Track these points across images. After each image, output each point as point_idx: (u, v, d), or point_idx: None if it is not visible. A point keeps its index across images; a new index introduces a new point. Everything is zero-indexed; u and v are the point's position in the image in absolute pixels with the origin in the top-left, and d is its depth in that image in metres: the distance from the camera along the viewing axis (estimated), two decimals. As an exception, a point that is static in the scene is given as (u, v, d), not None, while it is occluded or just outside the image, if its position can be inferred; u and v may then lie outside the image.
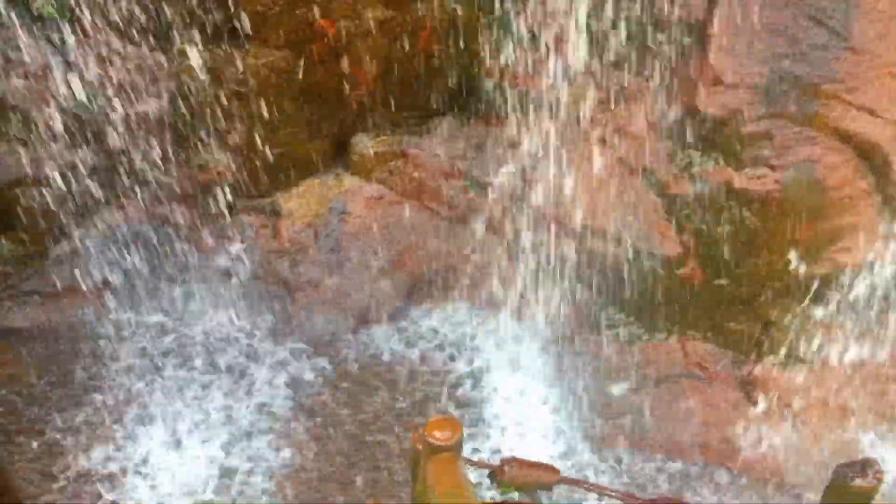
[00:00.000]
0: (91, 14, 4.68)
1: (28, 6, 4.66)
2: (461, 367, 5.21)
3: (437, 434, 2.95)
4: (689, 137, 4.72)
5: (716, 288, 4.88)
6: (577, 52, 4.68)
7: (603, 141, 4.94)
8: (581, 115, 4.90)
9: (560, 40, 4.75)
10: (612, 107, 4.92)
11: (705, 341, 5.06)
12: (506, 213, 5.26)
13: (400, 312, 5.44)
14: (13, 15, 4.63)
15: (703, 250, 4.83)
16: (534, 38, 4.93)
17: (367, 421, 4.96)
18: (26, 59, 4.70)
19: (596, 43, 4.72)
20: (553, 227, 5.08)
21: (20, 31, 4.67)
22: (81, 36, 4.71)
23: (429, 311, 5.48)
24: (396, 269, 5.47)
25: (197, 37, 4.83)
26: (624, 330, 5.13)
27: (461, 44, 5.11)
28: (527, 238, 5.16)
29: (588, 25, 4.65)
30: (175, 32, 4.81)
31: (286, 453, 4.81)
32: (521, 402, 5.08)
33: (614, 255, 4.98)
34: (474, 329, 5.36)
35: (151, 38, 4.84)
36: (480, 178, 5.31)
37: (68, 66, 4.77)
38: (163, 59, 4.90)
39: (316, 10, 4.88)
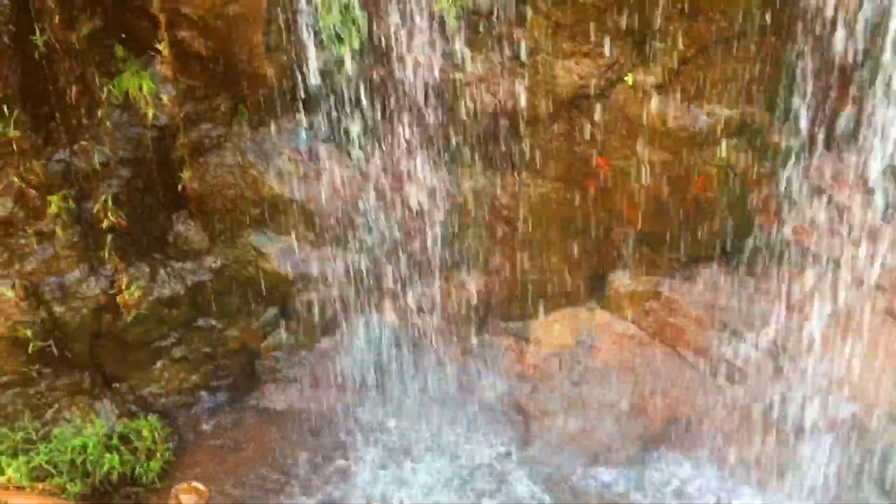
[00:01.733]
0: (389, 137, 4.80)
1: (339, 123, 4.87)
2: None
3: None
4: None
5: None
6: (870, 208, 4.11)
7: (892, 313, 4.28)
8: (867, 279, 4.27)
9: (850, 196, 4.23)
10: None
11: None
12: (764, 373, 4.65)
13: (637, 459, 4.91)
14: (325, 128, 4.86)
15: None
16: (818, 193, 4.44)
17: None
18: (334, 172, 4.88)
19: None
20: (819, 396, 4.40)
21: (330, 145, 4.88)
22: (382, 156, 4.83)
23: (670, 463, 4.90)
24: (640, 412, 4.99)
25: (479, 162, 4.81)
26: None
27: (735, 191, 4.71)
28: (789, 402, 4.51)
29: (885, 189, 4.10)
30: (460, 155, 4.82)
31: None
32: None
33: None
34: (719, 495, 4.68)
35: (437, 160, 4.87)
36: (742, 332, 4.76)
37: (365, 179, 4.90)
38: (445, 179, 4.91)
39: (594, 148, 4.71)
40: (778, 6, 4.22)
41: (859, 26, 3.99)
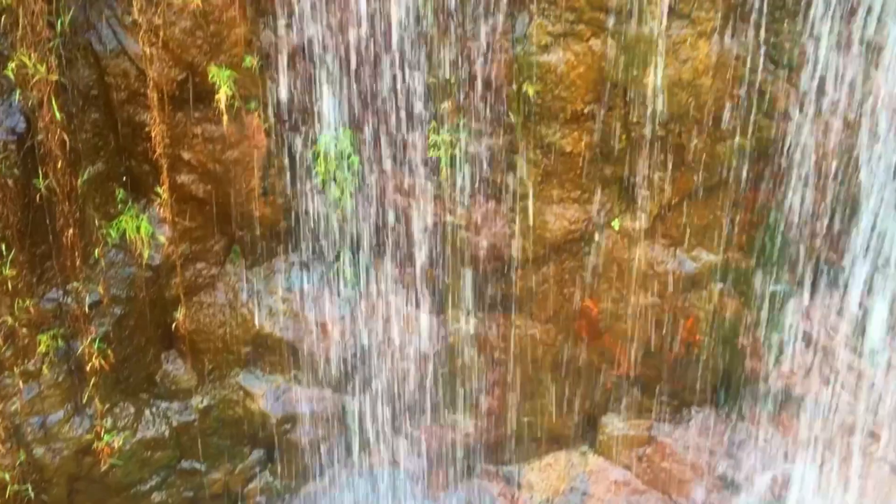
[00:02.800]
0: (381, 278, 4.86)
1: (332, 264, 4.94)
2: None
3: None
4: None
5: None
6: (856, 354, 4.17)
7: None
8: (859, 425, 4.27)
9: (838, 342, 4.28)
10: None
11: None
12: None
13: None
14: (319, 269, 4.92)
15: None
16: (806, 338, 4.50)
17: None
18: (326, 312, 4.92)
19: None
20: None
21: (322, 285, 4.93)
22: (374, 296, 4.89)
23: None
24: (636, 563, 4.84)
25: (470, 304, 4.86)
26: None
27: (724, 335, 4.76)
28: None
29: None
30: (451, 296, 4.87)
31: None
32: None
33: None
34: None
35: (429, 301, 4.92)
36: (736, 480, 4.70)
37: (353, 318, 4.92)
38: (436, 321, 4.94)
39: (583, 291, 4.79)
40: (758, 160, 4.41)
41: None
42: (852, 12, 3.88)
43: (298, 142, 4.63)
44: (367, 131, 4.56)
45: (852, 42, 3.94)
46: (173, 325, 4.92)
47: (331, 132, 4.54)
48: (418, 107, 4.48)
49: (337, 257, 4.90)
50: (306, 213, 4.75)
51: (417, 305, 4.93)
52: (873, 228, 4.12)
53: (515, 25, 4.29)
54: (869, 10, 3.83)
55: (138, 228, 4.60)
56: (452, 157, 4.58)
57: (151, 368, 5.03)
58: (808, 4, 3.95)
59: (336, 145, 4.57)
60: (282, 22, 4.30)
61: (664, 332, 4.85)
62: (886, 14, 3.77)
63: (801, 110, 4.14)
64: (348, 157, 4.60)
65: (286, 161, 4.69)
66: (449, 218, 4.74)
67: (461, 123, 4.50)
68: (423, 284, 4.88)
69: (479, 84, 4.40)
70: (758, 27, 4.09)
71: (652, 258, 4.70)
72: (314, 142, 4.60)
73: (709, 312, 4.79)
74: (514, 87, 4.39)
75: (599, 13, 4.18)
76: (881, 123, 3.92)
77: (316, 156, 4.62)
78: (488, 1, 4.23)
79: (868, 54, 3.91)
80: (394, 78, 4.43)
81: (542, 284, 4.87)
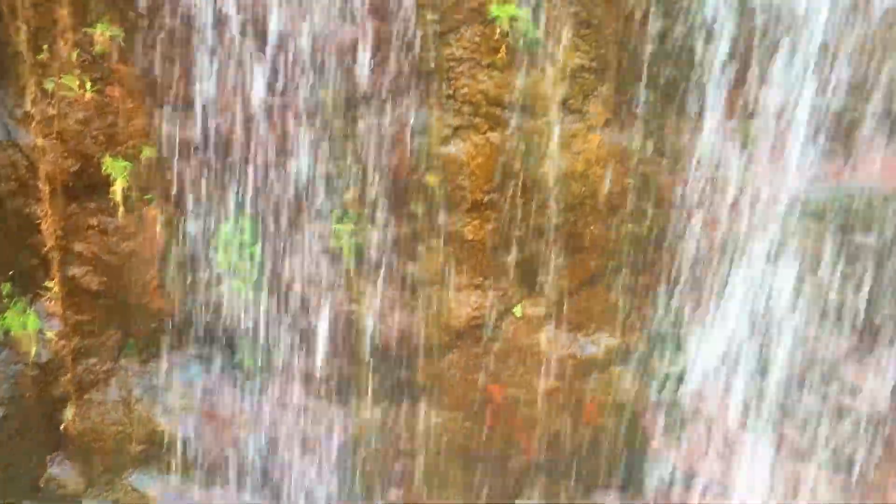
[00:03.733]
0: (283, 370, 4.79)
1: (233, 356, 4.84)
2: None
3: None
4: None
5: None
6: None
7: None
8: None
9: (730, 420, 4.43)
10: None
11: None
12: None
13: None
14: (218, 362, 4.82)
15: None
16: (699, 418, 4.64)
17: None
18: (225, 408, 4.79)
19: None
20: None
21: (221, 379, 4.81)
22: (275, 390, 4.80)
23: None
24: None
25: (375, 392, 4.82)
26: None
27: (626, 418, 4.86)
28: None
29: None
30: (355, 386, 4.83)
31: None
32: None
33: None
34: None
35: (333, 392, 4.86)
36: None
37: (253, 412, 4.81)
38: (340, 412, 4.88)
39: (488, 377, 4.83)
40: (650, 246, 4.62)
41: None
42: (733, 108, 4.17)
43: (197, 232, 4.58)
44: (269, 221, 4.55)
45: (733, 135, 4.22)
46: (62, 426, 4.69)
47: (231, 222, 4.51)
48: (321, 197, 4.51)
49: (237, 350, 4.81)
50: (205, 305, 4.67)
51: (320, 397, 4.86)
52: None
53: (417, 118, 4.42)
54: (747, 105, 4.13)
55: (25, 324, 4.42)
56: (355, 247, 4.61)
57: (36, 473, 4.76)
58: (692, 100, 4.22)
59: (236, 236, 4.54)
60: (181, 113, 4.30)
61: (568, 416, 4.92)
62: (766, 111, 4.08)
63: (686, 199, 4.38)
64: (249, 247, 4.57)
65: (185, 252, 4.62)
66: (352, 307, 4.73)
67: (364, 213, 4.55)
68: (326, 375, 4.83)
69: (381, 174, 4.48)
70: (645, 121, 4.34)
71: (554, 343, 4.80)
72: (214, 232, 4.56)
73: (611, 395, 4.89)
74: (416, 177, 4.49)
75: (496, 108, 4.36)
76: (756, 215, 4.20)
77: (216, 247, 4.57)
78: (390, 94, 4.34)
79: (748, 147, 4.19)
80: (296, 168, 4.46)
81: (448, 372, 4.89)
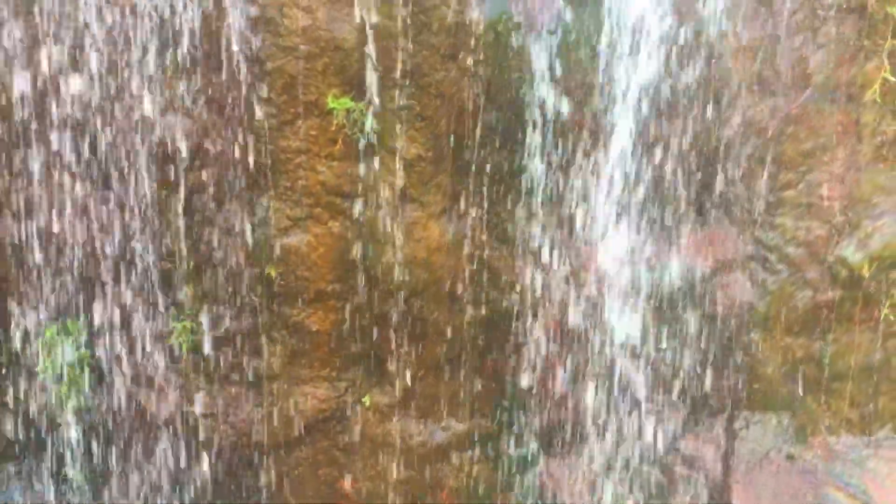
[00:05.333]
0: (113, 484, 4.56)
1: (60, 470, 4.56)
2: None
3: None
4: None
5: None
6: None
7: None
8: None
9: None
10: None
11: None
12: None
13: None
14: (45, 478, 4.53)
15: None
16: (553, 498, 4.74)
17: None
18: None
19: None
20: None
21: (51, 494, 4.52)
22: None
23: None
24: None
25: (217, 499, 4.64)
26: None
27: (480, 502, 4.90)
28: None
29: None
30: (196, 495, 4.64)
31: None
32: None
33: None
34: None
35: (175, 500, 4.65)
36: None
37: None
38: (181, 520, 4.66)
39: (340, 471, 4.76)
40: (492, 330, 4.76)
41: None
42: (561, 196, 4.43)
43: (17, 336, 4.35)
44: (100, 322, 4.38)
45: (564, 220, 4.47)
46: None
47: (56, 325, 4.31)
48: (156, 293, 4.39)
49: (65, 464, 4.53)
50: (29, 415, 4.39)
51: (162, 509, 4.63)
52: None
53: (255, 209, 4.41)
54: (574, 191, 4.40)
55: None
56: (194, 344, 4.49)
57: None
58: (524, 188, 4.45)
59: (62, 339, 4.33)
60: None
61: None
62: (596, 205, 4.35)
63: (523, 284, 4.57)
64: (77, 349, 4.36)
65: (3, 359, 4.35)
66: (192, 408, 4.58)
67: (202, 308, 4.45)
68: (165, 481, 4.61)
69: (220, 268, 4.41)
70: (481, 208, 4.52)
71: (404, 431, 4.80)
72: (37, 336, 4.33)
73: (462, 480, 4.92)
74: (257, 269, 4.45)
75: (336, 198, 4.42)
76: (578, 298, 4.44)
77: (38, 352, 4.33)
78: (229, 186, 4.33)
79: (583, 234, 4.44)
80: (129, 263, 4.34)
81: (297, 469, 4.78)
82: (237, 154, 4.31)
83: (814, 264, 4.37)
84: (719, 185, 4.35)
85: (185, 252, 4.32)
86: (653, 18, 4.14)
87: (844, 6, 4.12)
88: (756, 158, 4.32)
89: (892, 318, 4.34)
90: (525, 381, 4.70)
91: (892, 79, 4.09)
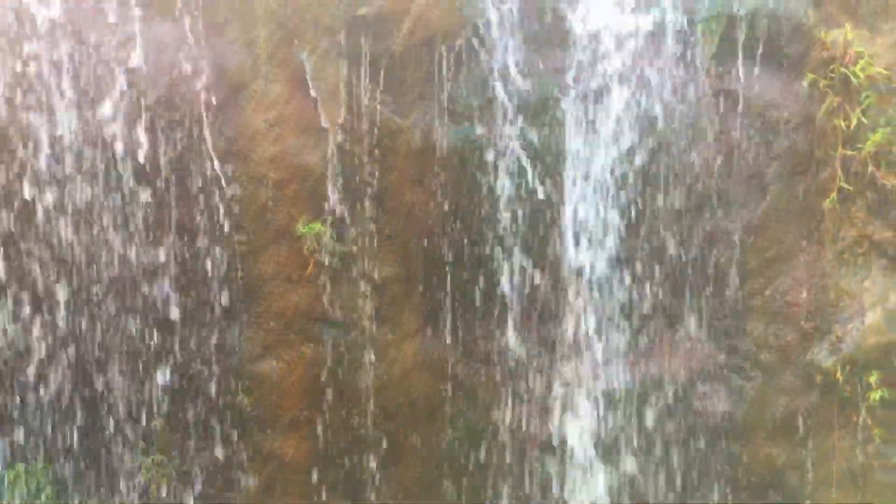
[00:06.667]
0: None
1: None
2: None
3: None
4: None
5: None
6: None
7: None
8: None
9: None
10: None
11: None
12: None
13: None
14: None
15: None
16: None
17: None
18: None
19: None
20: None
21: None
22: None
23: None
24: None
25: None
26: None
27: None
28: None
29: None
30: None
31: None
32: None
33: None
34: None
35: None
36: None
37: None
38: None
39: None
40: (470, 449, 4.72)
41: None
42: (535, 313, 4.50)
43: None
44: (68, 467, 4.29)
45: (539, 337, 4.52)
46: None
47: (17, 468, 4.22)
48: (126, 427, 4.33)
49: None
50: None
51: None
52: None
53: (227, 337, 4.42)
54: (545, 307, 4.48)
55: None
56: (166, 478, 4.40)
57: None
58: (497, 306, 4.51)
59: (27, 483, 4.23)
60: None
61: None
62: (571, 320, 4.43)
63: (497, 402, 4.57)
64: (43, 489, 4.26)
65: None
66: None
67: (174, 440, 4.39)
68: None
69: (192, 398, 4.39)
70: (454, 328, 4.57)
71: (385, 558, 4.69)
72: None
73: None
74: (229, 398, 4.42)
75: (308, 322, 4.45)
76: (555, 414, 4.45)
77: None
78: (201, 312, 4.35)
79: (559, 349, 4.49)
80: (93, 401, 4.29)
81: None
82: (208, 282, 4.35)
83: (788, 369, 4.42)
84: (689, 296, 4.45)
85: (155, 381, 4.29)
86: (607, 133, 4.31)
87: (794, 120, 4.33)
88: (722, 268, 4.43)
89: (869, 422, 4.37)
90: (508, 499, 4.64)
91: (848, 187, 4.27)
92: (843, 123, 4.25)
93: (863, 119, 4.20)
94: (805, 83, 4.29)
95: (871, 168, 4.27)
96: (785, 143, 4.35)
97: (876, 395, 4.31)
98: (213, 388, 4.37)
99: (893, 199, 4.30)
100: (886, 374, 4.33)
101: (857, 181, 4.30)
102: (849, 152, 4.27)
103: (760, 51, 4.29)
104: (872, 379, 4.32)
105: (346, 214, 4.38)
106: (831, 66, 4.24)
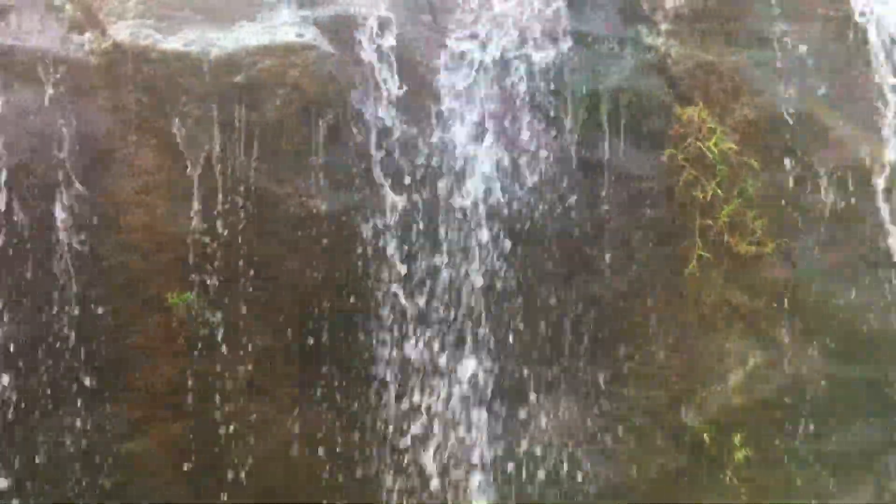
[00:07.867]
0: None
1: None
2: None
3: None
4: None
5: None
6: None
7: None
8: None
9: None
10: None
11: None
12: None
13: None
14: None
15: None
16: None
17: None
18: None
19: None
20: None
21: None
22: None
23: None
24: None
25: None
26: None
27: None
28: None
29: None
30: None
31: None
32: None
33: None
34: None
35: None
36: None
37: None
38: None
39: None
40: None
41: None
42: (407, 383, 4.50)
43: None
44: None
45: (418, 411, 4.51)
46: None
47: None
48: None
49: None
50: None
51: None
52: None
53: (91, 415, 4.20)
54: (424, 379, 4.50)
55: None
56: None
57: None
58: (378, 377, 4.49)
59: None
60: None
61: None
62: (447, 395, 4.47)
63: (392, 473, 4.51)
64: None
65: None
66: None
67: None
68: None
69: (47, 483, 4.10)
70: (333, 397, 4.51)
71: None
72: None
73: None
74: (90, 479, 4.17)
75: (179, 397, 4.29)
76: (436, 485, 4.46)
77: None
78: (61, 392, 4.11)
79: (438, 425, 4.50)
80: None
81: None
82: (71, 357, 4.14)
83: (660, 432, 4.61)
84: (564, 361, 4.59)
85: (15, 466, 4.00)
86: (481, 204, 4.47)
87: (655, 190, 4.65)
88: (594, 335, 4.62)
89: (736, 481, 4.60)
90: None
91: (707, 254, 4.58)
92: (700, 195, 4.59)
93: (718, 191, 4.56)
94: (664, 157, 4.63)
95: (726, 237, 4.61)
96: (648, 212, 4.64)
97: (740, 455, 4.54)
98: (76, 472, 4.10)
99: (748, 265, 4.65)
100: (749, 434, 4.59)
101: (714, 249, 4.63)
102: (706, 222, 4.60)
103: (623, 124, 4.60)
104: (737, 439, 4.56)
105: (219, 283, 4.29)
106: (688, 141, 4.60)
